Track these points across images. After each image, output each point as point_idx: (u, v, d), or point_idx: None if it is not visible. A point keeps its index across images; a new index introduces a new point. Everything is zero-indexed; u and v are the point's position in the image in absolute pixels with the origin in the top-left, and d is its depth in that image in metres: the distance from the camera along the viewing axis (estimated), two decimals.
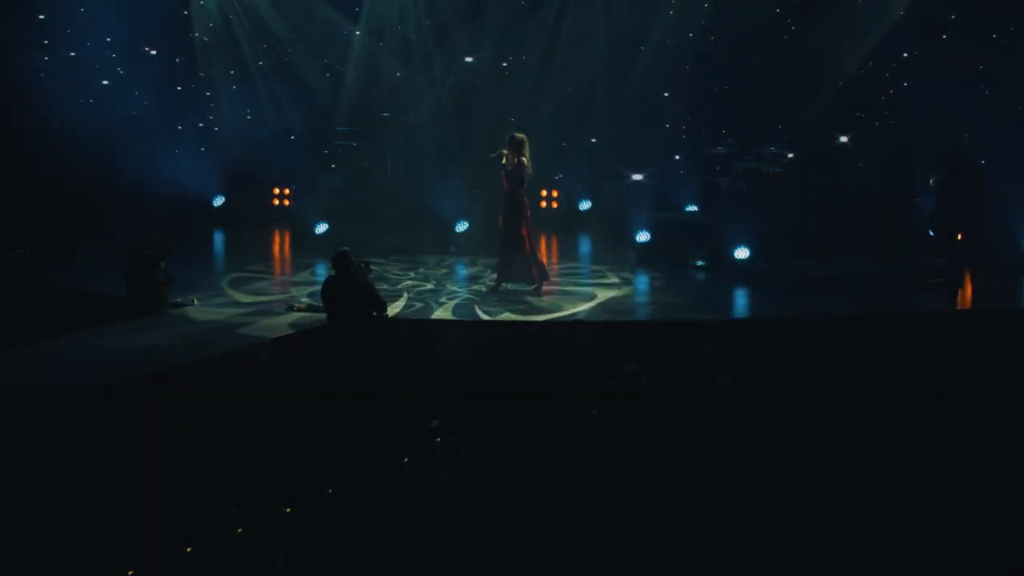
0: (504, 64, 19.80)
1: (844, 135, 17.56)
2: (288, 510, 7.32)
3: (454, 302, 13.75)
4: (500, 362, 11.00)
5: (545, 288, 14.12)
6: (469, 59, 19.37)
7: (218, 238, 19.17)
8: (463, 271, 16.05)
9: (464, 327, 12.47)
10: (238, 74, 20.09)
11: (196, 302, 13.40)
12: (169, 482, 7.33)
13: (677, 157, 18.57)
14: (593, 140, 19.30)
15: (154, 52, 19.69)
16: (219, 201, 20.09)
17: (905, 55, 17.94)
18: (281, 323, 12.36)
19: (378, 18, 19.46)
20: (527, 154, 13.78)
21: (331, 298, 10.95)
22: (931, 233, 15.06)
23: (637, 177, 18.58)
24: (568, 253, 17.77)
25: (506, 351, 11.35)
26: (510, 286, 14.23)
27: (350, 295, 10.83)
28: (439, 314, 13.09)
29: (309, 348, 11.58)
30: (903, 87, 18.02)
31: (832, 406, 8.70)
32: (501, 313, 13.11)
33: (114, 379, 9.76)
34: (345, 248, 11.02)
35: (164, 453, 7.77)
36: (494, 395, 9.29)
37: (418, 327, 12.36)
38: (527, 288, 14.13)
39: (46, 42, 18.74)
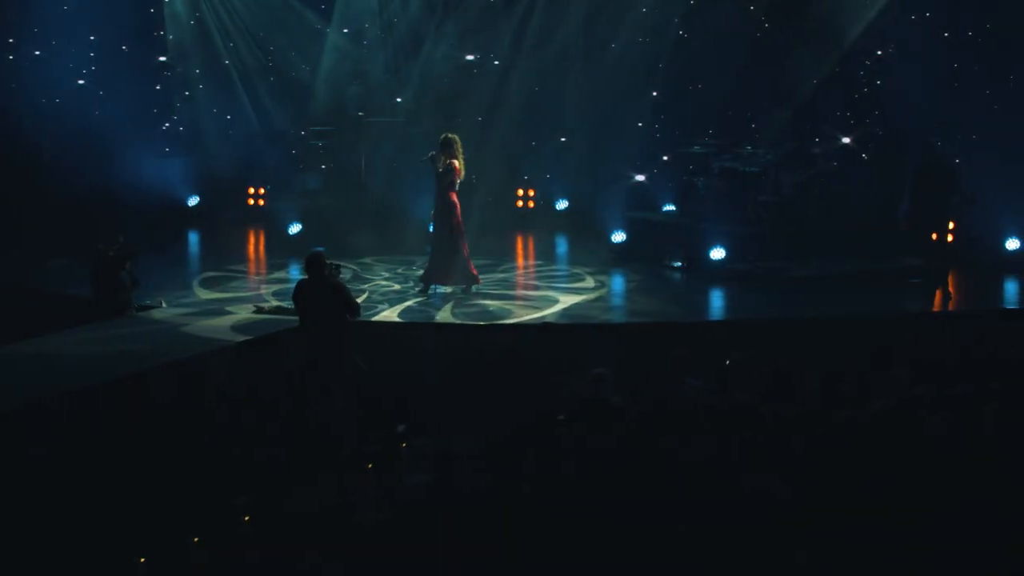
0: (475, 60, 19.61)
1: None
2: (247, 519, 7.19)
3: (406, 304, 13.66)
4: (465, 366, 10.90)
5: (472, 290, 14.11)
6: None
7: (192, 238, 19.02)
8: None
9: (419, 330, 12.37)
10: (213, 74, 19.92)
11: (164, 304, 13.24)
12: (113, 493, 7.16)
13: (665, 158, 18.31)
14: (563, 139, 19.12)
15: (128, 52, 19.53)
16: (194, 201, 19.91)
17: (879, 53, 17.85)
18: (244, 326, 12.19)
19: (352, 16, 19.29)
20: (459, 154, 13.75)
21: (303, 301, 10.80)
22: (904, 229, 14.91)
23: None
24: (544, 253, 17.62)
25: (471, 355, 11.24)
26: (441, 289, 14.14)
27: (323, 298, 10.69)
28: (385, 315, 12.97)
29: (273, 352, 11.41)
30: (876, 85, 17.93)
31: (804, 412, 8.59)
32: (461, 315, 13.03)
33: (55, 388, 9.58)
34: (320, 249, 10.89)
35: (106, 462, 7.59)
36: (454, 400, 9.17)
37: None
38: (460, 290, 14.10)
39: (11, 40, 18.56)
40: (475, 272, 14.20)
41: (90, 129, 18.17)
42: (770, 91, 17.69)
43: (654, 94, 19.08)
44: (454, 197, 13.82)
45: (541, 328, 11.88)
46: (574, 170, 18.97)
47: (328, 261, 10.89)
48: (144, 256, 13.30)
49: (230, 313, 13.03)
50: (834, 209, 16.49)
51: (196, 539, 6.79)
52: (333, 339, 10.66)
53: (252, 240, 18.77)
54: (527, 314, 13.08)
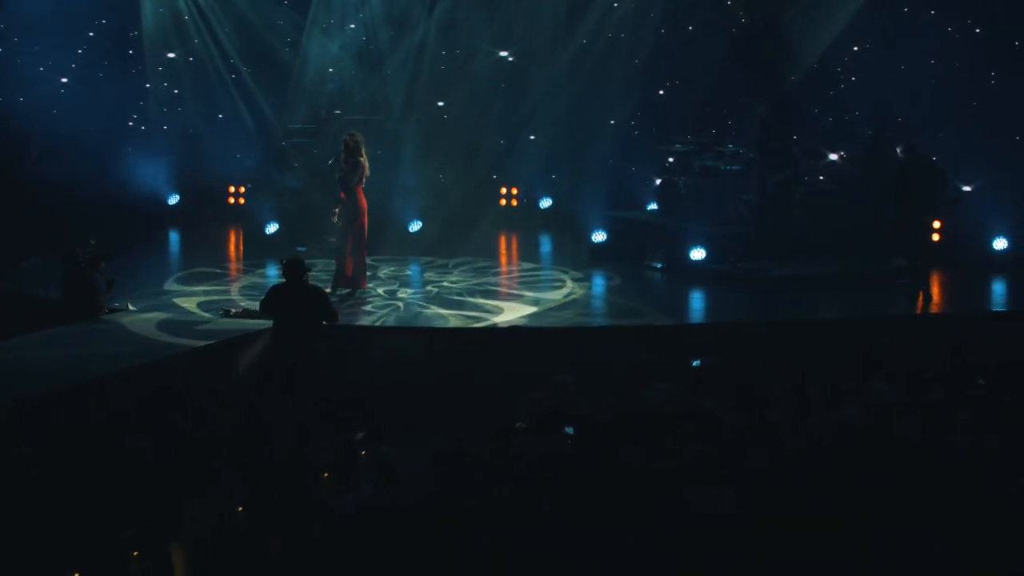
0: (465, 57, 19.47)
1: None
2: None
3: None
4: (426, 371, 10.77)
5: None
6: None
7: (171, 237, 18.90)
8: (417, 274, 15.71)
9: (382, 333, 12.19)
10: (192, 72, 19.83)
11: (131, 307, 13.08)
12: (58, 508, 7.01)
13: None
14: (532, 137, 18.92)
15: (105, 50, 19.46)
16: (174, 199, 19.78)
17: (856, 49, 17.66)
18: (214, 330, 12.02)
19: (331, 12, 19.17)
20: (364, 155, 13.68)
21: (280, 304, 10.67)
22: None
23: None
24: (525, 253, 17.49)
25: (434, 359, 11.10)
26: (343, 291, 14.01)
27: (301, 302, 10.57)
28: None
29: (235, 356, 11.26)
30: (851, 81, 17.76)
31: (772, 420, 8.45)
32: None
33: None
34: (302, 249, 10.78)
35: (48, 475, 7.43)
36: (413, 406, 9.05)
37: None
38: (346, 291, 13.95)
39: None
40: (364, 281, 14.07)
41: (67, 129, 18.01)
42: (751, 88, 17.48)
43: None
44: (361, 195, 13.71)
45: (508, 331, 11.75)
46: (557, 169, 18.81)
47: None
48: (122, 256, 13.18)
49: (196, 315, 12.95)
50: (818, 208, 16.28)
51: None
52: (308, 342, 10.58)
53: (231, 239, 18.66)
54: (512, 313, 12.96)
